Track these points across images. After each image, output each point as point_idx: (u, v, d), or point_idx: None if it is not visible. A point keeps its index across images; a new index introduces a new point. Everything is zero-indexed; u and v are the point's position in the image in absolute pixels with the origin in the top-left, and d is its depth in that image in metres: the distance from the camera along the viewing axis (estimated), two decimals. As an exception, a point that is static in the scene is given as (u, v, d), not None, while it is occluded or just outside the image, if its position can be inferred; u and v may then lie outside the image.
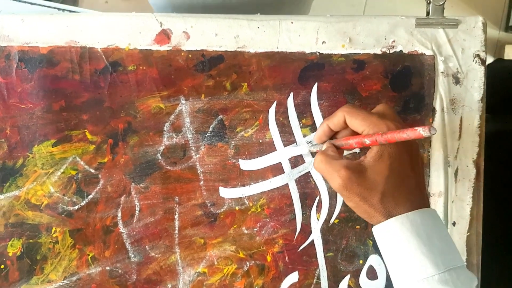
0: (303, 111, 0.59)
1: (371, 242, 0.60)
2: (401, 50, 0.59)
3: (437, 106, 0.59)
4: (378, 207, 0.45)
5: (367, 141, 0.45)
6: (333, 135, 0.51)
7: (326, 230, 0.59)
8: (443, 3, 0.58)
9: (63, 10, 0.62)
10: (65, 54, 0.58)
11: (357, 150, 0.57)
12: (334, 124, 0.49)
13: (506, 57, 1.62)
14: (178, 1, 0.73)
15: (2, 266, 0.58)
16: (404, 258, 0.44)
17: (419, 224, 0.44)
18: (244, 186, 0.59)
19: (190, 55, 0.58)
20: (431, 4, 0.59)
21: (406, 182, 0.45)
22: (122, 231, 0.59)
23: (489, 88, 0.59)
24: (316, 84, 0.59)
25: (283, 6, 0.80)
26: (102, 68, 0.58)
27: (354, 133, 0.48)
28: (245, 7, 0.73)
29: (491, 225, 0.60)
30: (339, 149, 0.50)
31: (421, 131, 0.39)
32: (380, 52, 0.59)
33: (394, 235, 0.44)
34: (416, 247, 0.43)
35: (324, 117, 0.59)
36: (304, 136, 0.59)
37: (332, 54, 0.59)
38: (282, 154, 0.59)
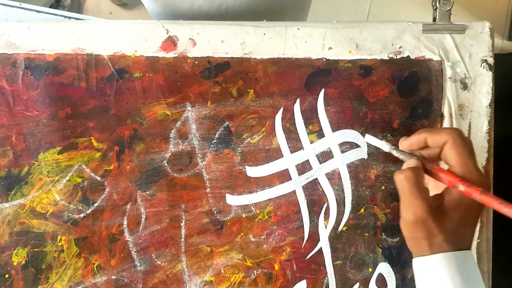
0: (310, 117, 0.59)
1: (380, 250, 0.59)
2: (408, 56, 0.58)
3: (445, 111, 0.58)
4: (434, 246, 0.45)
5: (461, 188, 0.44)
6: (423, 147, 0.50)
7: (334, 237, 0.59)
8: (450, 9, 0.58)
9: (69, 17, 0.62)
10: (71, 61, 0.58)
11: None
12: (433, 141, 0.47)
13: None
14: (180, 11, 0.73)
15: (7, 276, 0.58)
16: None
17: (463, 265, 0.44)
18: (250, 193, 0.59)
19: (196, 62, 0.58)
20: (437, 10, 0.59)
21: (468, 231, 0.47)
22: (128, 239, 0.58)
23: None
24: (323, 90, 0.59)
25: (286, 15, 0.80)
26: (108, 75, 0.58)
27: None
28: (248, 17, 0.73)
29: (501, 231, 0.59)
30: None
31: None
32: (387, 58, 0.58)
33: (440, 271, 0.45)
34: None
35: (331, 123, 0.58)
36: (311, 142, 0.58)
37: (338, 60, 0.59)
38: (289, 161, 0.58)
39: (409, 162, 0.49)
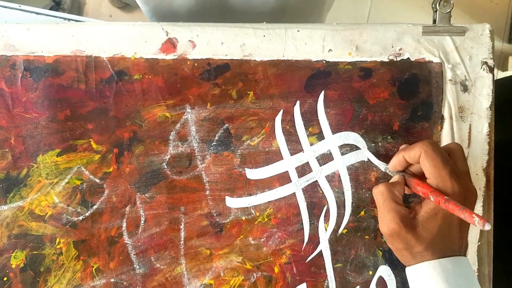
0: (310, 119, 0.58)
1: (381, 253, 0.58)
2: (408, 58, 0.58)
3: (446, 113, 0.58)
4: (416, 256, 0.47)
5: (432, 199, 0.46)
6: (408, 165, 0.51)
7: (335, 240, 0.58)
8: (450, 11, 0.58)
9: (69, 19, 0.62)
10: (70, 63, 0.58)
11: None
12: (410, 157, 0.49)
13: (510, 69, 1.62)
14: (179, 12, 0.72)
15: (5, 279, 0.57)
16: None
17: (450, 271, 0.45)
18: (250, 195, 0.58)
19: (196, 64, 0.58)
20: (437, 12, 0.58)
21: (449, 240, 0.47)
22: (127, 242, 0.58)
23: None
24: (323, 92, 0.58)
25: (285, 16, 0.79)
26: (107, 77, 0.58)
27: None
28: (248, 17, 0.73)
29: (502, 234, 0.59)
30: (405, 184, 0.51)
31: (476, 222, 0.41)
32: (387, 60, 0.58)
33: (425, 279, 0.46)
34: None
35: (331, 125, 0.58)
36: (311, 144, 0.58)
37: (338, 62, 0.58)
38: (289, 163, 0.58)
39: (392, 178, 0.52)
